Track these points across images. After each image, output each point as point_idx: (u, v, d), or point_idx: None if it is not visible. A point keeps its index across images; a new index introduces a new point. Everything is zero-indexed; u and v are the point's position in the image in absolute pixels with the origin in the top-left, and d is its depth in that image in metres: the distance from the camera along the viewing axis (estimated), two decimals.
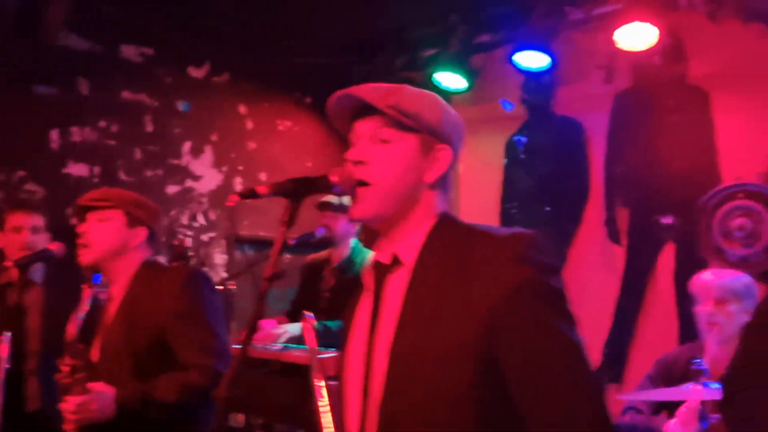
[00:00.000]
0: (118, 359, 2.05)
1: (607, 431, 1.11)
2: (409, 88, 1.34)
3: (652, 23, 3.40)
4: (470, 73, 4.20)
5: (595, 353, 4.06)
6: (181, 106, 4.50)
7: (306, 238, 3.37)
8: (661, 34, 3.44)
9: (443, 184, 1.34)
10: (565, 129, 4.22)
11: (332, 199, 3.34)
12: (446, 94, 4.36)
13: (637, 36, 3.48)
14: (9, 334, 2.25)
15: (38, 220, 2.94)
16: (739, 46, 3.46)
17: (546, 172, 4.28)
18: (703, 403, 2.17)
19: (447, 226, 1.30)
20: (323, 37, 4.49)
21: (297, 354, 2.60)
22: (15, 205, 3.00)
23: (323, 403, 1.36)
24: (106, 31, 4.17)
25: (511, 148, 4.46)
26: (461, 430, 1.16)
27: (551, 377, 1.12)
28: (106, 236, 2.11)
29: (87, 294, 2.03)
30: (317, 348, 1.39)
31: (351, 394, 1.30)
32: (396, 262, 1.31)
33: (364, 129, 1.32)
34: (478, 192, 4.58)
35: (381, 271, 1.32)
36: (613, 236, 4.03)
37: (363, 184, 1.29)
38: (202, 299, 2.07)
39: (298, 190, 1.31)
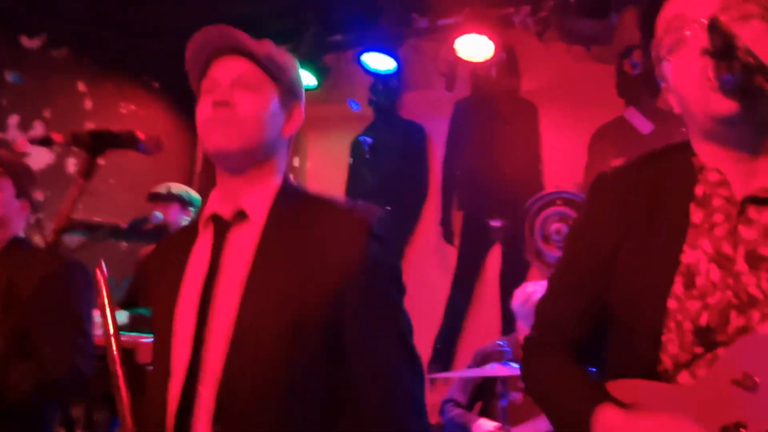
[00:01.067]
0: None
1: (417, 373, 1.25)
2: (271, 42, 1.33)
3: (488, 37, 3.65)
4: (321, 71, 4.26)
5: (426, 346, 4.25)
6: (10, 76, 4.18)
7: (140, 223, 3.29)
8: (496, 48, 3.70)
9: (291, 143, 1.36)
10: (409, 132, 4.40)
11: (161, 189, 3.32)
12: None
13: (475, 48, 3.72)
14: None
15: None
16: (563, 66, 3.80)
17: (389, 172, 4.44)
18: (503, 381, 2.35)
19: (292, 188, 1.32)
20: (175, 21, 4.35)
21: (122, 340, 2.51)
22: None
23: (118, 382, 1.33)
24: None
25: (357, 148, 4.57)
26: (308, 394, 1.19)
27: (385, 336, 1.23)
28: None
29: None
30: (113, 306, 1.36)
31: (179, 346, 1.24)
32: (240, 216, 1.27)
33: (226, 71, 1.28)
34: (324, 188, 4.62)
35: (220, 225, 1.27)
36: (447, 236, 4.25)
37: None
38: (77, 294, 1.90)
39: (97, 143, 1.27)
